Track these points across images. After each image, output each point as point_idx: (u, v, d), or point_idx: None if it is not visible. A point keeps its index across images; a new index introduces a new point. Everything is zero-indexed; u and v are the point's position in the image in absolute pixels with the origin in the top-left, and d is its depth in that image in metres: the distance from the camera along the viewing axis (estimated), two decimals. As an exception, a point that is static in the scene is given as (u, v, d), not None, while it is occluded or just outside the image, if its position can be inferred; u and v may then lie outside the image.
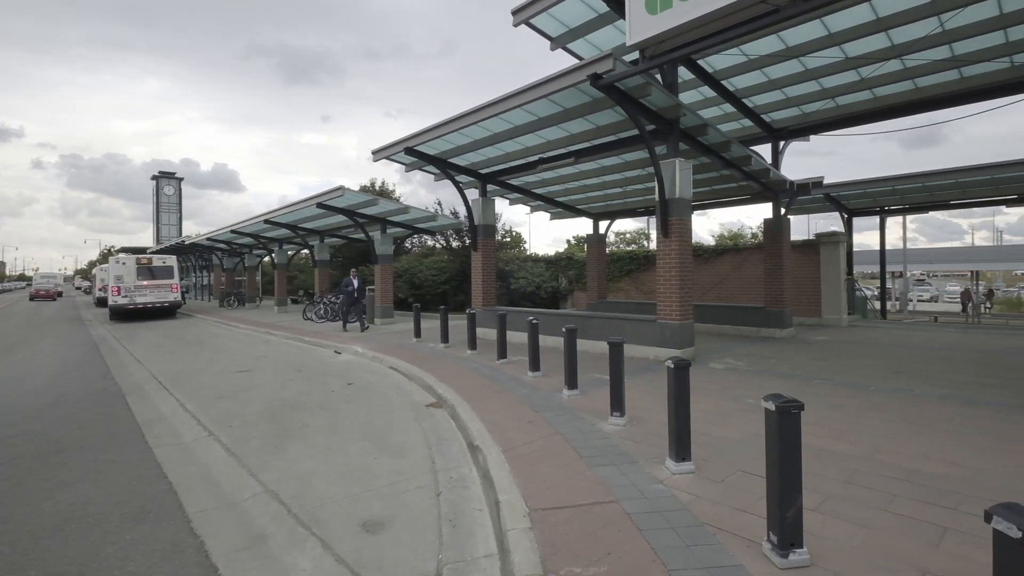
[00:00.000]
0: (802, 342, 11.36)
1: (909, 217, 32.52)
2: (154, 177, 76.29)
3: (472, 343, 10.45)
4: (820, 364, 8.73)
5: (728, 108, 12.02)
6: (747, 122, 12.51)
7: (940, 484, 3.86)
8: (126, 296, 20.04)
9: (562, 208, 15.95)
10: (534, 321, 8.08)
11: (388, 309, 16.88)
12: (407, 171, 12.77)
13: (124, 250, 35.68)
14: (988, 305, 32.71)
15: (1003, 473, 4.06)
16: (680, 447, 4.16)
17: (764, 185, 11.82)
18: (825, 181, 12.98)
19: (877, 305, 19.21)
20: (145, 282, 20.47)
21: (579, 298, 21.71)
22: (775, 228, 12.42)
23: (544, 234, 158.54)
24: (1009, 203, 14.11)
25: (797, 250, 14.82)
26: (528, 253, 28.51)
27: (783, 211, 12.47)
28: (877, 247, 18.46)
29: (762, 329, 12.47)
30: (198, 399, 7.40)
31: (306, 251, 25.49)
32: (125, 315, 20.75)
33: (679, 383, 4.17)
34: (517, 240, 45.24)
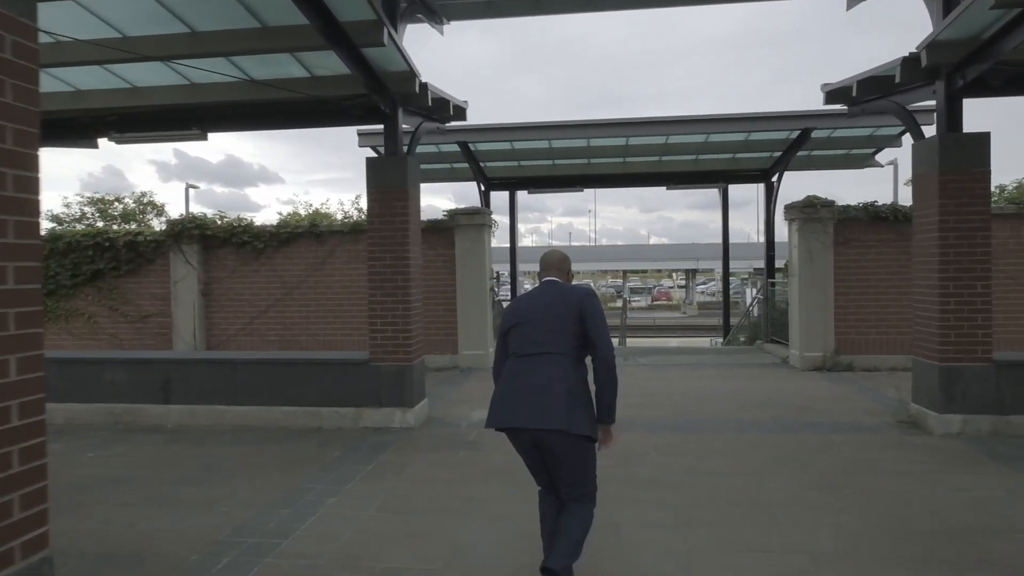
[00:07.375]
0: (467, 449, 5.45)
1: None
2: None
3: None
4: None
5: None
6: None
7: None
8: None
9: None
10: None
11: None
12: None
13: None
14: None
15: None
16: None
17: (373, 79, 5.43)
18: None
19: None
20: None
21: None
22: (394, 181, 6.08)
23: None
24: (671, 183, 12.21)
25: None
26: None
27: (407, 146, 6.43)
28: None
29: (364, 410, 6.01)
30: None
31: None
32: None
33: None
34: None
